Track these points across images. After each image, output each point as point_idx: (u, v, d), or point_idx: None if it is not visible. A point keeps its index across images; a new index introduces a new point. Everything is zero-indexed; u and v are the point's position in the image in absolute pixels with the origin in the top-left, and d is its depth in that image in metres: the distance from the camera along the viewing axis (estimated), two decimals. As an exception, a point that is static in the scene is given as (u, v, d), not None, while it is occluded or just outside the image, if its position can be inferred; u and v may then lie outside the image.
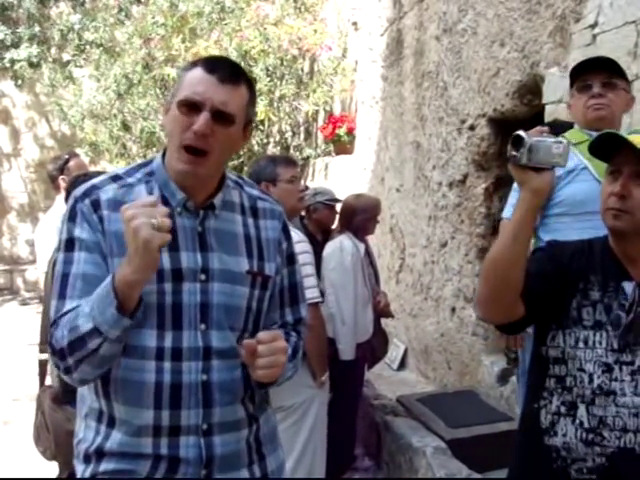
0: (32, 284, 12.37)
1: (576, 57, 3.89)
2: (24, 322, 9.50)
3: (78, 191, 1.79)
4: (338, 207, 4.73)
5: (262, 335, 1.70)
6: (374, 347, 4.65)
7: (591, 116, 2.97)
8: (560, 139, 1.62)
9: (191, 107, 1.71)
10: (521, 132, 1.65)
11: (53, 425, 3.20)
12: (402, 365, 6.79)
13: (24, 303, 12.06)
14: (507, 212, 3.16)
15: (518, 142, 1.64)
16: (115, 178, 1.81)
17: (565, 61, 4.04)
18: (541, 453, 1.91)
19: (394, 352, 6.75)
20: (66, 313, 1.68)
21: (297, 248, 3.31)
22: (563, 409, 1.87)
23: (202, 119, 1.69)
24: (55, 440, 3.20)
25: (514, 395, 4.69)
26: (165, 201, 1.78)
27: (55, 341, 1.69)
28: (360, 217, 4.53)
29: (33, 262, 11.40)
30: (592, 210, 2.90)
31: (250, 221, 1.89)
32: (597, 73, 2.95)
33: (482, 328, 5.20)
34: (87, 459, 1.82)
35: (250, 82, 1.82)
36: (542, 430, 1.90)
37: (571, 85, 3.08)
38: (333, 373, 3.76)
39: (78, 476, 1.86)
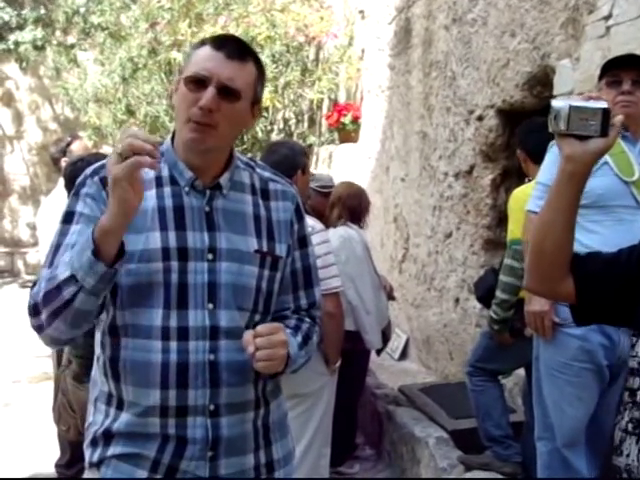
0: (33, 267, 12.38)
1: (589, 49, 3.87)
2: (24, 304, 9.48)
3: (89, 169, 1.80)
4: None
5: (260, 328, 1.71)
6: (385, 333, 4.66)
7: (618, 112, 2.96)
8: (594, 106, 1.54)
9: (198, 83, 1.71)
10: (557, 99, 1.60)
11: (79, 403, 3.25)
12: (403, 355, 6.79)
13: (24, 286, 12.06)
14: (529, 204, 3.15)
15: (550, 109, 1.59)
16: None
17: (577, 53, 4.01)
18: (609, 473, 1.78)
19: (396, 342, 6.75)
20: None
21: (318, 238, 3.36)
22: (630, 426, 1.69)
23: (208, 94, 1.69)
24: (82, 417, 3.24)
25: (517, 387, 4.69)
26: (174, 180, 1.79)
27: (31, 297, 1.69)
28: (361, 202, 4.57)
29: (34, 245, 11.42)
30: (611, 204, 2.90)
31: (260, 202, 1.87)
32: (628, 70, 2.95)
33: (485, 320, 5.18)
34: (94, 442, 1.82)
35: (259, 61, 1.82)
36: (613, 447, 1.74)
37: (600, 78, 3.06)
38: (347, 362, 3.76)
39: (86, 461, 1.85)
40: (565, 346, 3.01)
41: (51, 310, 1.63)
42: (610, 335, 2.96)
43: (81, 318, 1.65)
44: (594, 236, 2.87)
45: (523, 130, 3.86)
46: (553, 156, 3.05)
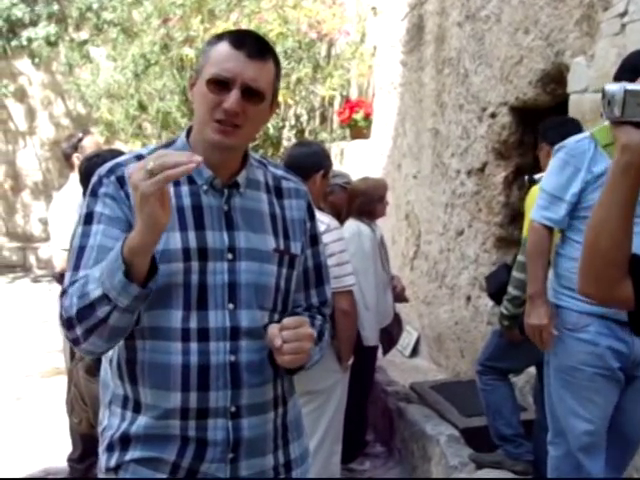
0: (45, 262, 12.40)
1: (604, 46, 3.85)
2: (36, 299, 9.55)
3: (103, 169, 1.77)
4: None
5: (287, 321, 1.70)
6: (391, 332, 4.65)
7: None
8: None
9: (220, 84, 1.69)
10: (611, 83, 1.44)
11: (90, 396, 3.27)
12: (414, 352, 6.78)
13: (36, 280, 12.10)
14: (534, 213, 3.08)
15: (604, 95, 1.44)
16: (139, 157, 1.77)
17: (592, 50, 3.99)
18: None
19: (406, 339, 6.74)
20: (76, 281, 1.65)
21: (334, 235, 3.37)
22: None
23: (233, 97, 1.68)
24: (94, 410, 3.25)
25: (528, 385, 4.68)
26: (190, 179, 1.77)
27: (64, 310, 1.65)
28: (360, 200, 4.51)
29: (46, 240, 11.44)
30: None
31: (275, 200, 1.87)
32: None
33: (497, 317, 5.17)
34: (111, 447, 1.79)
35: (276, 56, 1.80)
36: None
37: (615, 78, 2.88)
38: (354, 359, 3.76)
39: (102, 465, 1.82)
40: (575, 351, 2.96)
41: (86, 327, 1.61)
42: (623, 338, 2.90)
43: (117, 334, 1.64)
44: None
45: (546, 124, 3.80)
46: (558, 162, 2.98)
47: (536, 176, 3.74)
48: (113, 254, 1.56)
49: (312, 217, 1.95)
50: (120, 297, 1.55)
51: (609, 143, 2.87)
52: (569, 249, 3.00)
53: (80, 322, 1.61)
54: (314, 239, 1.96)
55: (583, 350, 2.94)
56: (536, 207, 3.07)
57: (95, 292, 1.57)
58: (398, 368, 6.19)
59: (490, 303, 5.26)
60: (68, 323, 1.65)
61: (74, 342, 1.68)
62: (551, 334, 2.99)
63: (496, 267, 4.48)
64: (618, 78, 2.89)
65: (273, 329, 1.69)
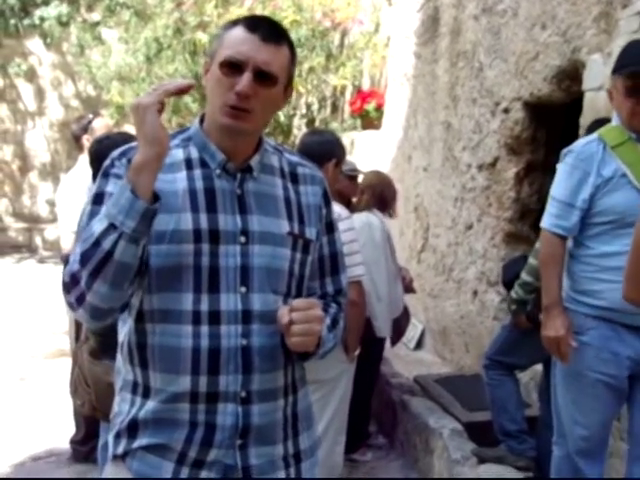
0: (51, 243, 12.44)
1: (621, 44, 3.80)
2: (42, 280, 9.57)
3: (116, 151, 1.77)
4: (359, 179, 4.71)
5: (297, 302, 1.70)
6: (399, 323, 4.64)
7: (638, 127, 2.81)
8: None
9: (233, 67, 1.69)
10: None
11: (93, 378, 3.26)
12: (419, 345, 6.78)
13: (42, 261, 12.13)
14: (545, 222, 3.00)
15: None
16: None
17: (609, 48, 3.95)
18: None
19: (411, 332, 6.73)
20: None
21: (344, 225, 3.36)
22: None
23: (245, 80, 1.67)
24: (96, 393, 3.25)
25: (532, 382, 4.67)
26: (204, 163, 1.77)
27: (66, 273, 1.64)
28: (388, 190, 4.63)
29: (53, 221, 11.47)
30: (632, 221, 2.56)
31: (290, 185, 1.86)
32: None
33: (503, 313, 5.17)
34: (119, 433, 1.77)
35: (291, 42, 1.80)
36: None
37: (616, 72, 2.87)
38: (361, 350, 3.76)
39: (110, 452, 1.80)
40: (581, 355, 2.91)
41: (91, 268, 1.58)
42: (630, 342, 2.88)
43: (122, 274, 1.59)
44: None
45: (594, 123, 3.69)
46: (567, 167, 2.92)
47: None
48: (119, 187, 1.60)
49: (328, 204, 1.94)
50: (127, 220, 1.55)
51: (618, 144, 2.84)
52: (580, 252, 2.97)
53: (84, 265, 1.58)
54: (330, 226, 1.94)
55: (589, 354, 2.91)
56: (547, 215, 3.00)
57: (100, 227, 1.57)
58: (402, 360, 6.19)
59: (497, 298, 5.26)
60: (72, 279, 1.62)
61: (78, 300, 1.63)
62: (569, 346, 2.89)
63: (517, 256, 4.41)
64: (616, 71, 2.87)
65: (282, 310, 1.69)
